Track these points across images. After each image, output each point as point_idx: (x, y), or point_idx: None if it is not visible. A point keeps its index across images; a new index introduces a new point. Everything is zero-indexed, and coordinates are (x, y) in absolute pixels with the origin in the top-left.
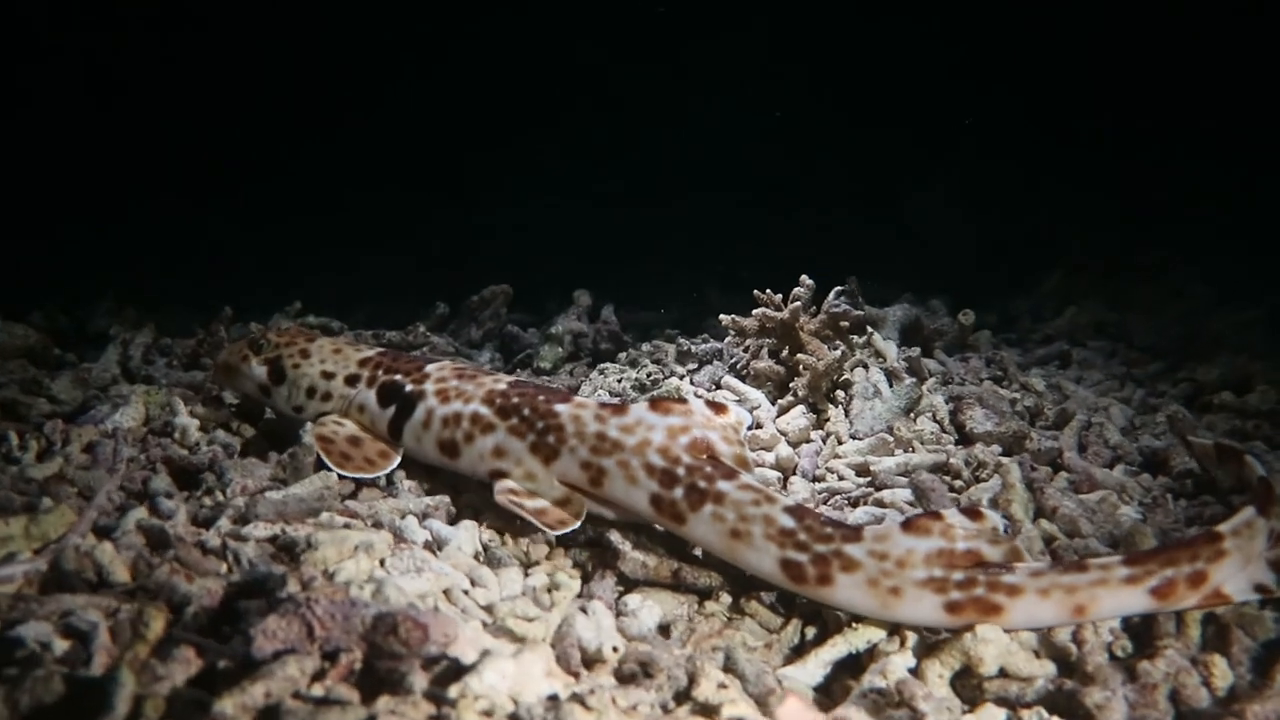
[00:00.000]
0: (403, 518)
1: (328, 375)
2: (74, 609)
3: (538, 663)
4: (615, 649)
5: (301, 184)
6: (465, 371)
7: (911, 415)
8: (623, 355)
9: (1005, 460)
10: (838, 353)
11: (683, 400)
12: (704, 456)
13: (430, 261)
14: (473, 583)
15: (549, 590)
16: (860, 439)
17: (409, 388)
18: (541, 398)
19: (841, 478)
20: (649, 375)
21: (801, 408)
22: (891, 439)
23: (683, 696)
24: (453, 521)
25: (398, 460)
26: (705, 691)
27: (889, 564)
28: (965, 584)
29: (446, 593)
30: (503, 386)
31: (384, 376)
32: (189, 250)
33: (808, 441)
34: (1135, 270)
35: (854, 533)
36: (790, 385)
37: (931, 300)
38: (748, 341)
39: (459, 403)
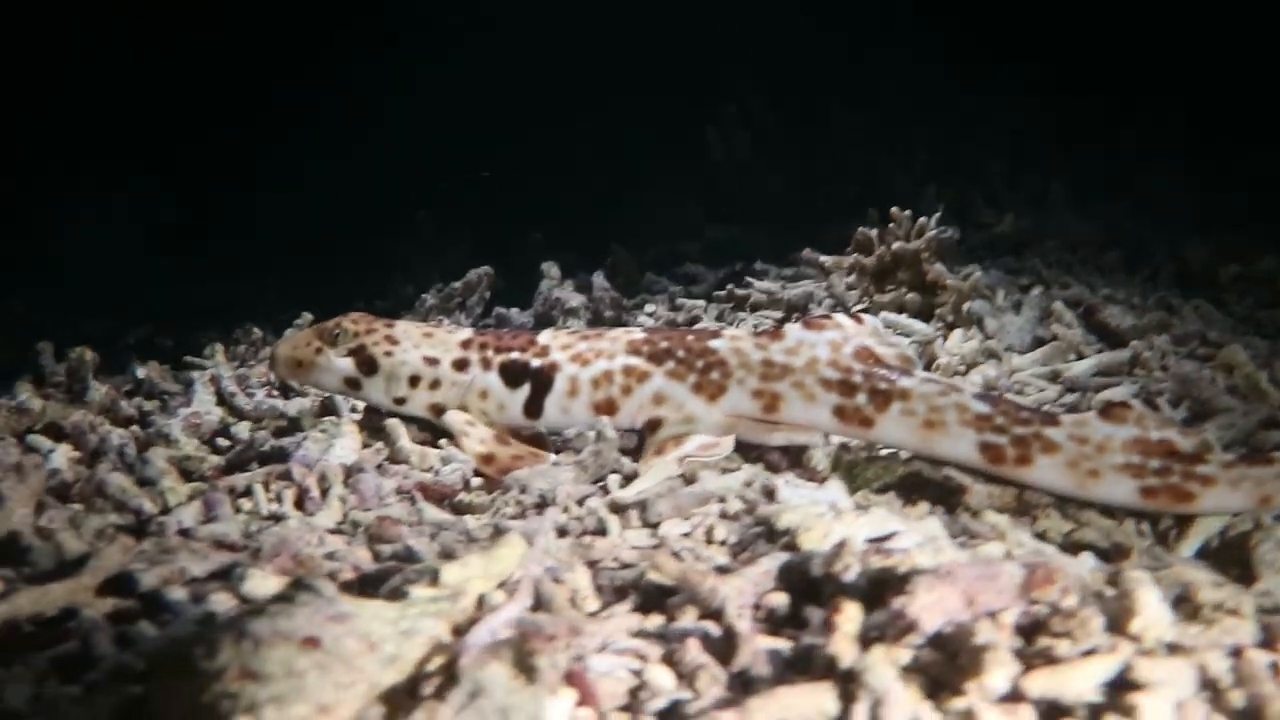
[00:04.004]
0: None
1: (431, 361)
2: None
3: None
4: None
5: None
6: (585, 333)
7: (1046, 323)
8: (645, 316)
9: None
10: (977, 273)
11: (828, 316)
12: (870, 362)
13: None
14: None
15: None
16: (1019, 352)
17: (536, 363)
18: (690, 338)
19: (1041, 389)
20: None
21: (960, 331)
22: (1064, 344)
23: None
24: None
25: (553, 458)
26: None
27: (1088, 448)
28: (1162, 471)
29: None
30: (640, 335)
31: (500, 357)
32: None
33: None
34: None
35: (1051, 417)
36: (937, 312)
37: None
38: (845, 278)
39: (603, 361)
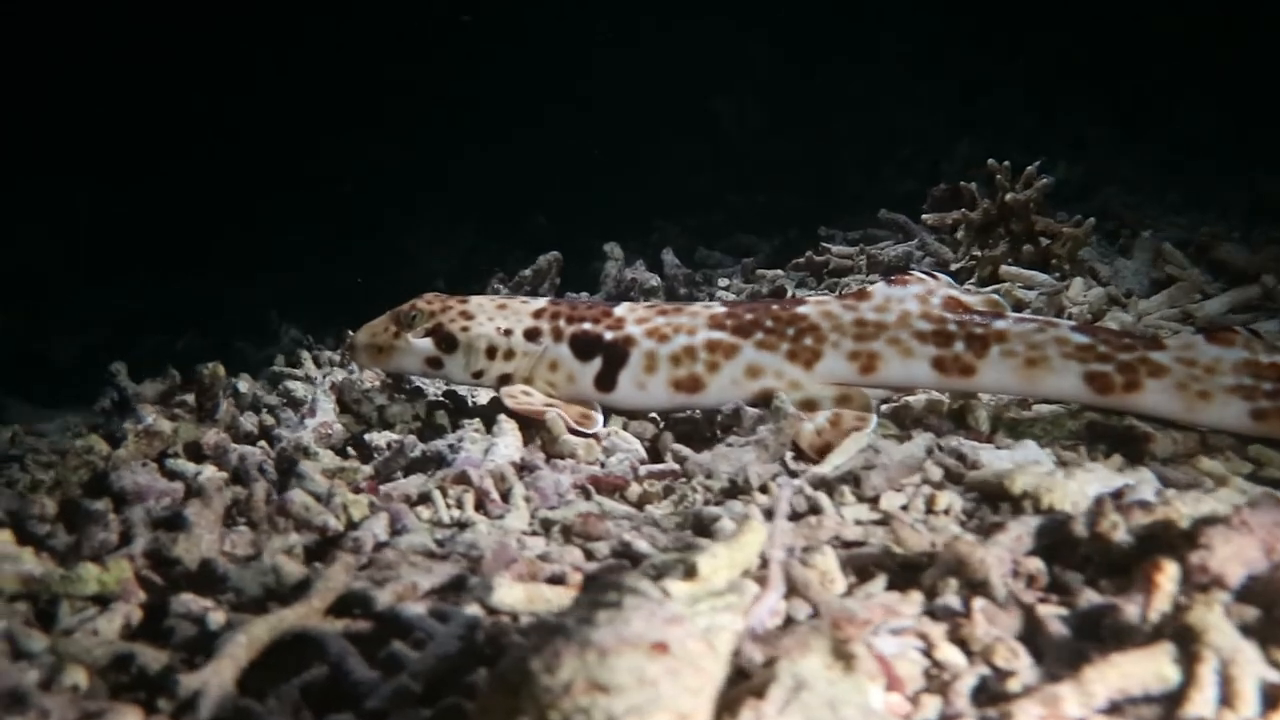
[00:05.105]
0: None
1: (506, 332)
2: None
3: None
4: None
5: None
6: (663, 307)
7: (1158, 265)
8: (721, 290)
9: None
10: (1090, 220)
11: (909, 271)
12: (960, 310)
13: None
14: None
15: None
16: (1140, 297)
17: (610, 335)
18: (775, 307)
19: (1175, 332)
20: None
21: (1079, 279)
22: (1187, 284)
23: None
24: None
25: (600, 414)
26: None
27: (1197, 370)
28: (1273, 394)
29: None
30: (721, 309)
31: (571, 328)
32: None
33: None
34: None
35: (1155, 341)
36: (1053, 261)
37: None
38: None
39: (683, 336)
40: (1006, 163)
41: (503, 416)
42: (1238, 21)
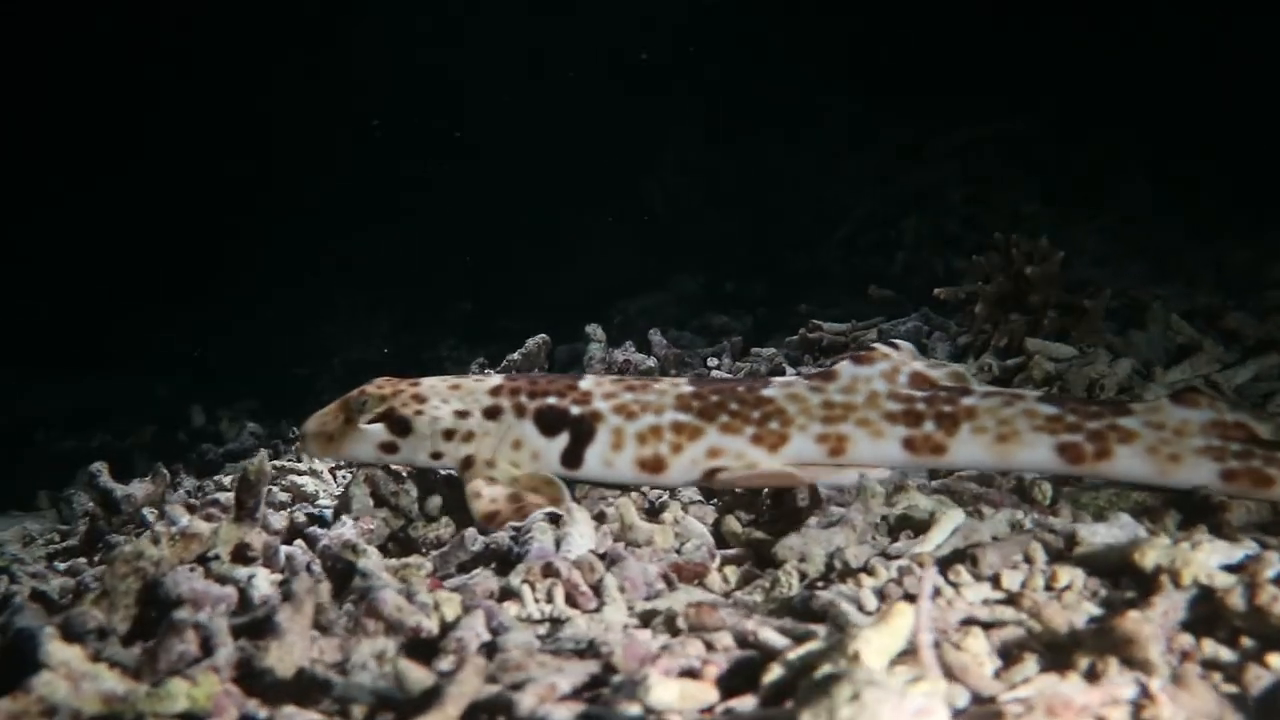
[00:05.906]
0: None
1: (462, 414)
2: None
3: None
4: None
5: None
6: (630, 382)
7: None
8: (715, 371)
9: None
10: (1107, 292)
11: (874, 347)
12: (927, 387)
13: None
14: None
15: None
16: (1164, 367)
17: (576, 410)
18: (741, 388)
19: None
20: None
21: (1103, 351)
22: (1207, 354)
23: None
24: None
25: (567, 492)
26: None
27: (1166, 433)
28: (1242, 454)
29: None
30: (688, 389)
31: (535, 403)
32: None
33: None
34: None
35: (1121, 407)
36: (1073, 334)
37: None
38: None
39: (650, 415)
40: (1014, 235)
41: (574, 504)
42: (1179, 85)
